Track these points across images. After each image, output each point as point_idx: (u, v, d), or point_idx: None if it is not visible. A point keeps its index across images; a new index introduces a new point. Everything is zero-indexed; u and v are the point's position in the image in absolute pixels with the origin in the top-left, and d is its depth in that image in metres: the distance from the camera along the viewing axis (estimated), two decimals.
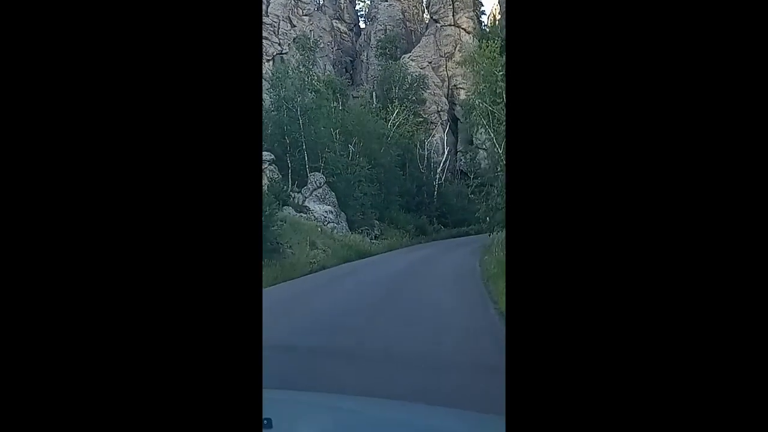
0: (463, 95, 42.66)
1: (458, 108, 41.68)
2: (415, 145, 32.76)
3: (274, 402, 1.54)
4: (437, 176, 33.58)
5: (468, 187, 38.87)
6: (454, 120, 41.59)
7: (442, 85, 42.88)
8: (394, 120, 32.13)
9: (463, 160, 38.73)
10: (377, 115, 30.14)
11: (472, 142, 39.44)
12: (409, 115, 33.62)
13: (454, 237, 28.90)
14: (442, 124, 39.41)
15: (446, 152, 35.33)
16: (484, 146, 41.40)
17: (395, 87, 33.69)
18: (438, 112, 39.37)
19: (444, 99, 41.55)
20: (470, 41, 43.74)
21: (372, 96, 33.40)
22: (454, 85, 42.98)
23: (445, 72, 43.74)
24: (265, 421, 1.21)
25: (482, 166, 39.48)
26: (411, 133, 33.49)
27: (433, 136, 38.21)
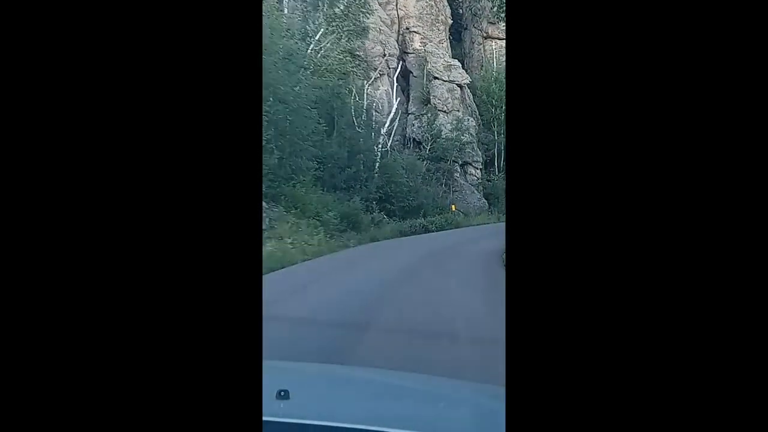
0: (417, 43, 30.92)
1: (411, 58, 29.84)
2: (350, 92, 20.47)
3: (290, 373, 1.82)
4: (381, 141, 21.47)
5: (423, 161, 27.25)
6: (405, 75, 29.75)
7: (392, 26, 30.78)
8: (317, 44, 19.75)
9: (416, 124, 26.90)
10: (288, 31, 17.52)
11: (428, 102, 27.66)
12: (341, 45, 21.20)
13: (406, 234, 16.99)
14: (389, 74, 27.43)
15: (393, 111, 23.30)
16: (445, 107, 29.84)
17: (323, 2, 21.13)
18: (385, 56, 27.33)
19: (394, 42, 29.58)
20: None
21: (284, 2, 20.61)
22: (407, 29, 31.11)
23: (395, 11, 31.61)
24: (282, 393, 1.25)
25: (443, 134, 28.08)
26: (344, 74, 21.17)
27: (378, 88, 26.11)
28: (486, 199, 25.92)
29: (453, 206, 21.95)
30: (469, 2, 36.52)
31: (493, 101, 28.17)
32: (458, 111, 27.68)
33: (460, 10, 38.88)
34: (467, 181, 26.38)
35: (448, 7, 35.60)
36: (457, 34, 34.10)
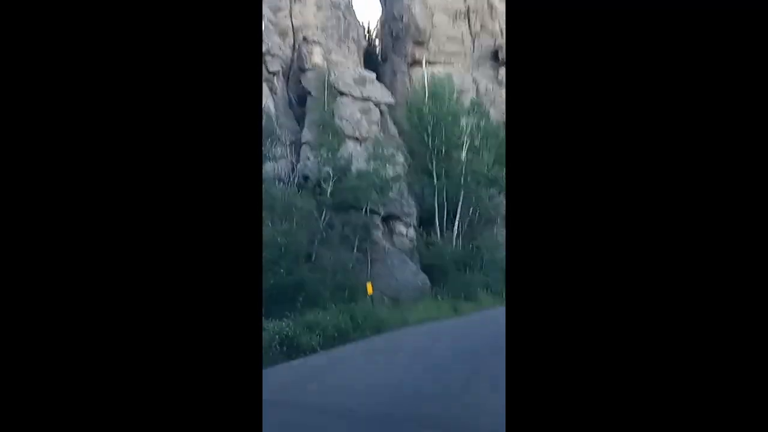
0: (318, 56, 21.13)
1: (309, 76, 19.90)
2: None
3: None
4: None
5: (321, 209, 15.47)
6: (301, 98, 19.69)
7: (285, 38, 21.12)
8: None
9: (312, 157, 16.34)
10: None
11: (331, 125, 17.35)
12: None
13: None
14: (272, 86, 17.18)
15: (275, 119, 12.80)
16: (357, 133, 19.12)
17: None
18: (270, 56, 17.10)
19: (286, 50, 19.72)
20: None
21: None
22: (304, 38, 21.42)
23: (289, 19, 22.09)
24: None
25: (354, 169, 17.41)
26: None
27: None
28: (426, 273, 15.25)
29: (369, 285, 11.05)
30: (389, 26, 27.84)
31: (428, 128, 18.22)
32: (377, 140, 17.53)
33: (375, 42, 30.34)
34: (395, 245, 15.73)
35: (361, 27, 26.70)
36: (372, 68, 24.36)
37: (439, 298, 13.62)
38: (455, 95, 18.85)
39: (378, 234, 14.98)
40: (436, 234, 17.01)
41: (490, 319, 9.43)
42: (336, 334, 7.52)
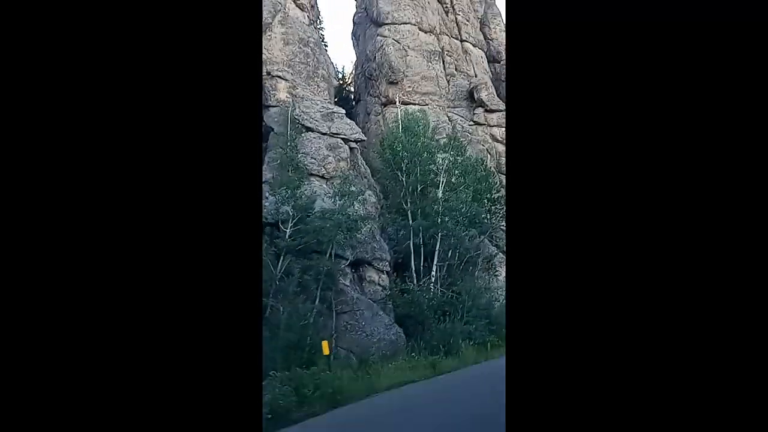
0: (283, 92, 19.68)
1: (273, 113, 18.37)
2: None
3: None
4: None
5: (279, 253, 12.41)
6: (263, 137, 18.07)
7: None
8: None
9: (268, 198, 14.57)
10: None
11: (293, 162, 15.67)
12: None
13: None
14: None
15: None
16: (323, 170, 16.97)
17: None
18: None
19: None
20: (299, 14, 22.39)
21: None
22: (268, 73, 20.00)
23: None
24: None
25: (318, 208, 15.34)
26: None
27: None
28: (401, 325, 13.30)
29: (325, 344, 9.05)
30: (362, 66, 26.78)
31: (402, 165, 16.67)
32: (345, 176, 15.85)
33: (350, 88, 29.29)
34: (365, 293, 13.80)
35: (332, 66, 25.55)
36: (346, 109, 23.03)
37: (414, 354, 11.63)
38: (430, 130, 17.40)
39: (345, 282, 13.07)
40: (412, 279, 15.14)
41: (476, 381, 7.48)
42: (270, 415, 5.52)
